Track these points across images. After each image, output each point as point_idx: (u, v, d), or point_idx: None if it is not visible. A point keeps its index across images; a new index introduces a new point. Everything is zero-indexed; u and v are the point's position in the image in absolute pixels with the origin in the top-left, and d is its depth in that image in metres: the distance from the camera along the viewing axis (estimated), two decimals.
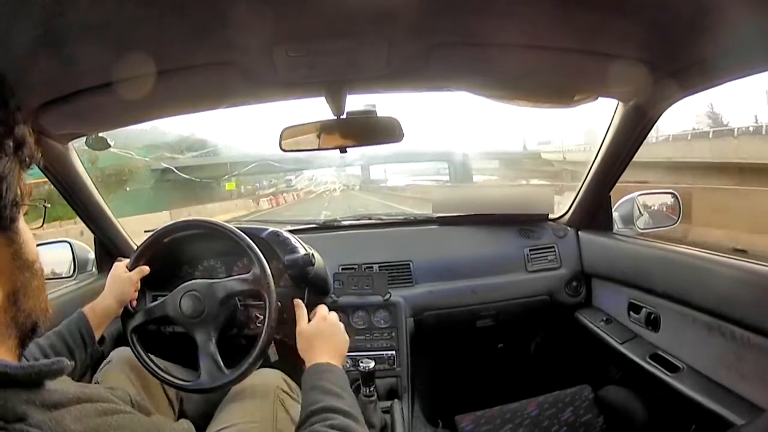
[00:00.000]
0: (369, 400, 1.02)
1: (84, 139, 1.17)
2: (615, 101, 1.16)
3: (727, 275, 0.94)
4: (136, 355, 0.94)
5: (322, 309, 0.88)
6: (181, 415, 0.99)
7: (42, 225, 0.56)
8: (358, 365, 1.03)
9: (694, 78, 0.89)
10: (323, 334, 0.82)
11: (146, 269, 1.00)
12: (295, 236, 1.17)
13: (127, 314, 0.96)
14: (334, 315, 0.86)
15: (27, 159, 0.42)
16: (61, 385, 0.40)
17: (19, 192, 0.41)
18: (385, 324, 1.29)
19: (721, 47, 0.77)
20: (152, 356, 0.95)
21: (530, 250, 1.51)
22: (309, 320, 0.86)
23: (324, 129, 1.06)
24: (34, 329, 0.44)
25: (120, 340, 1.18)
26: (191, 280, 0.95)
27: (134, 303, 0.97)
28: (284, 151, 1.08)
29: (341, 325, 0.85)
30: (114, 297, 0.93)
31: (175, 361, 1.00)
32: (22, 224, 0.43)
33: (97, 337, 0.88)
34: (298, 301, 0.90)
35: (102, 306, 0.90)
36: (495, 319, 1.48)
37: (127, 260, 0.99)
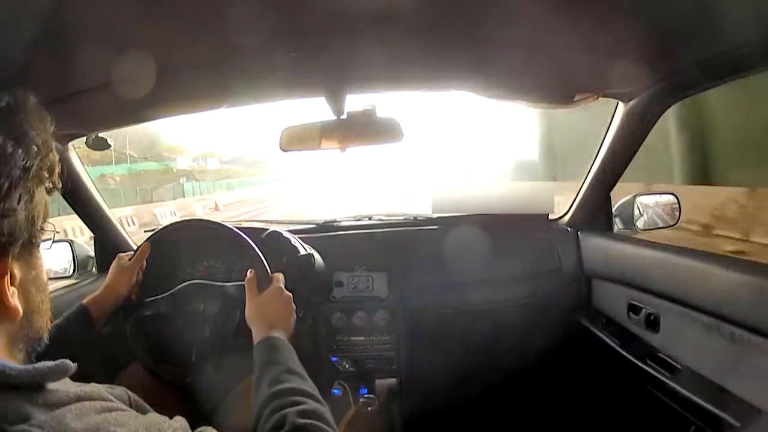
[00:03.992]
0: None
1: (84, 139, 1.17)
2: (615, 101, 1.17)
3: (727, 276, 0.94)
4: (133, 349, 0.94)
5: (279, 280, 0.86)
6: (194, 422, 0.98)
7: (50, 247, 0.57)
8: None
9: (694, 78, 0.89)
10: (276, 307, 0.81)
11: (144, 255, 0.99)
12: (295, 236, 1.17)
13: (126, 306, 0.95)
14: (287, 292, 0.84)
15: (52, 185, 0.44)
16: (62, 385, 0.40)
17: (42, 218, 0.43)
18: (385, 324, 1.29)
19: (720, 47, 0.77)
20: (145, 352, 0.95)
21: (530, 251, 1.51)
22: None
23: (324, 129, 1.06)
24: (38, 344, 0.46)
25: (120, 340, 1.18)
26: (191, 279, 0.95)
27: (134, 296, 0.97)
28: (284, 151, 1.08)
29: (292, 303, 0.84)
30: (116, 288, 0.93)
31: (174, 362, 0.99)
32: (40, 247, 0.45)
33: (97, 329, 0.88)
34: (251, 270, 0.87)
35: (103, 297, 0.91)
36: (495, 319, 1.48)
37: (130, 253, 0.99)
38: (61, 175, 0.46)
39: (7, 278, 0.40)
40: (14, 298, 0.40)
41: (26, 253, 0.42)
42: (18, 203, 0.39)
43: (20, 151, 0.39)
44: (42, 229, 0.43)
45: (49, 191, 0.44)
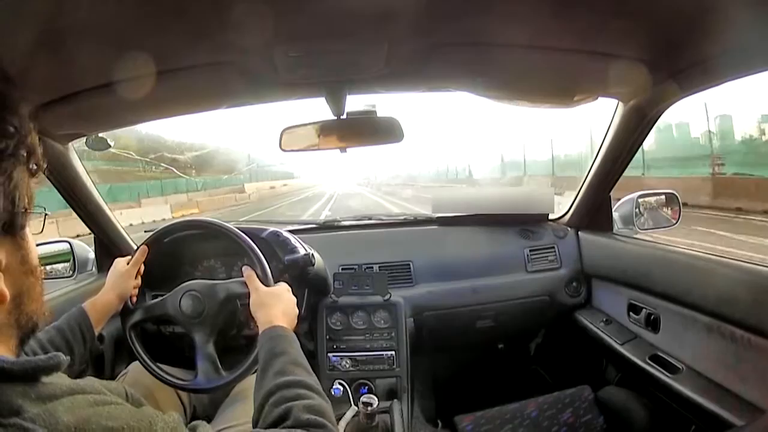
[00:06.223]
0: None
1: (84, 139, 1.17)
2: (615, 101, 1.16)
3: (727, 276, 0.94)
4: (134, 352, 0.94)
5: (282, 283, 0.88)
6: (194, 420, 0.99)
7: (41, 231, 0.57)
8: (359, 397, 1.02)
9: (694, 78, 0.89)
10: (282, 300, 0.82)
11: (142, 258, 0.98)
12: (295, 236, 1.17)
13: (126, 310, 0.95)
14: (291, 294, 0.86)
15: (34, 167, 0.43)
16: (56, 379, 0.40)
17: (26, 199, 0.42)
18: (385, 324, 1.29)
19: (721, 47, 0.77)
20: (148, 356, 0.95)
21: (530, 251, 1.51)
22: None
23: (324, 129, 1.06)
24: (33, 330, 0.46)
25: (120, 341, 1.18)
26: (191, 280, 0.95)
27: (134, 299, 0.97)
28: (284, 151, 1.08)
29: (295, 305, 0.85)
30: (114, 292, 0.92)
31: (175, 362, 0.99)
32: (27, 230, 0.44)
33: (97, 332, 0.88)
34: (246, 267, 0.89)
35: (102, 301, 0.90)
36: (495, 319, 1.48)
37: (129, 257, 0.99)
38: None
39: None
40: (0, 283, 0.40)
41: (10, 235, 0.42)
42: None
43: None
44: (26, 210, 0.43)
45: (32, 174, 0.44)
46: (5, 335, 0.42)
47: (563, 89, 1.05)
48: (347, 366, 1.25)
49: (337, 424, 1.01)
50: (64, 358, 0.42)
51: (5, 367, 0.37)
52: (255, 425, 0.60)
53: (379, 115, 1.05)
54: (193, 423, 0.50)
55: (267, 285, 0.86)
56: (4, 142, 0.39)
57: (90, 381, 0.44)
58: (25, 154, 0.42)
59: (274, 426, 0.55)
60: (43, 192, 0.48)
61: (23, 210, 0.42)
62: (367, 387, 1.23)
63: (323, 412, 0.58)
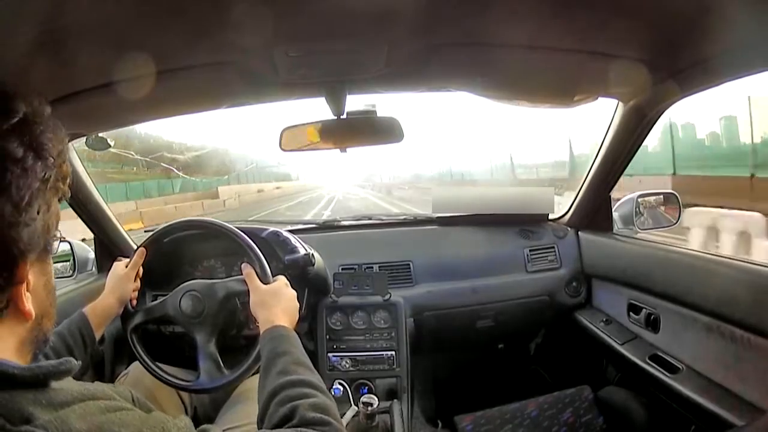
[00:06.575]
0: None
1: (84, 139, 1.17)
2: (615, 101, 1.17)
3: (727, 276, 0.94)
4: (135, 355, 0.94)
5: (281, 277, 0.88)
6: (195, 422, 0.99)
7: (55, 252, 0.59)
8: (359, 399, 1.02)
9: (694, 78, 0.89)
10: (280, 295, 0.82)
11: (140, 260, 0.97)
12: (295, 236, 1.17)
13: (126, 313, 0.95)
14: (291, 289, 0.86)
15: (62, 194, 0.46)
16: (65, 384, 0.41)
17: (56, 225, 0.45)
18: (385, 324, 1.29)
19: (721, 47, 0.77)
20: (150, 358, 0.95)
21: (530, 251, 1.51)
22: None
23: (324, 129, 1.06)
24: (45, 344, 0.48)
25: (120, 341, 1.18)
26: (191, 280, 0.95)
27: (134, 302, 0.97)
28: (284, 150, 1.09)
29: (296, 299, 0.85)
30: (114, 296, 0.92)
31: (176, 362, 0.99)
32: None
33: (98, 337, 0.88)
34: (245, 265, 0.88)
35: (102, 305, 0.90)
36: (495, 319, 1.48)
37: (127, 260, 0.99)
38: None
39: (24, 284, 0.41)
40: (29, 303, 0.42)
41: (40, 260, 0.44)
42: (38, 213, 0.40)
43: (39, 163, 0.40)
44: (54, 236, 0.45)
45: (59, 199, 0.45)
46: (25, 350, 0.44)
47: (563, 89, 1.05)
48: (347, 366, 1.25)
49: None
50: (75, 363, 0.42)
51: (16, 373, 0.37)
52: (260, 425, 0.59)
53: (379, 115, 1.05)
54: (202, 427, 0.51)
55: (266, 283, 0.86)
56: (46, 172, 0.41)
57: (100, 386, 0.45)
58: (62, 185, 0.44)
59: (280, 425, 0.55)
60: None
61: (53, 236, 0.44)
62: (367, 387, 1.23)
63: (328, 410, 0.58)
